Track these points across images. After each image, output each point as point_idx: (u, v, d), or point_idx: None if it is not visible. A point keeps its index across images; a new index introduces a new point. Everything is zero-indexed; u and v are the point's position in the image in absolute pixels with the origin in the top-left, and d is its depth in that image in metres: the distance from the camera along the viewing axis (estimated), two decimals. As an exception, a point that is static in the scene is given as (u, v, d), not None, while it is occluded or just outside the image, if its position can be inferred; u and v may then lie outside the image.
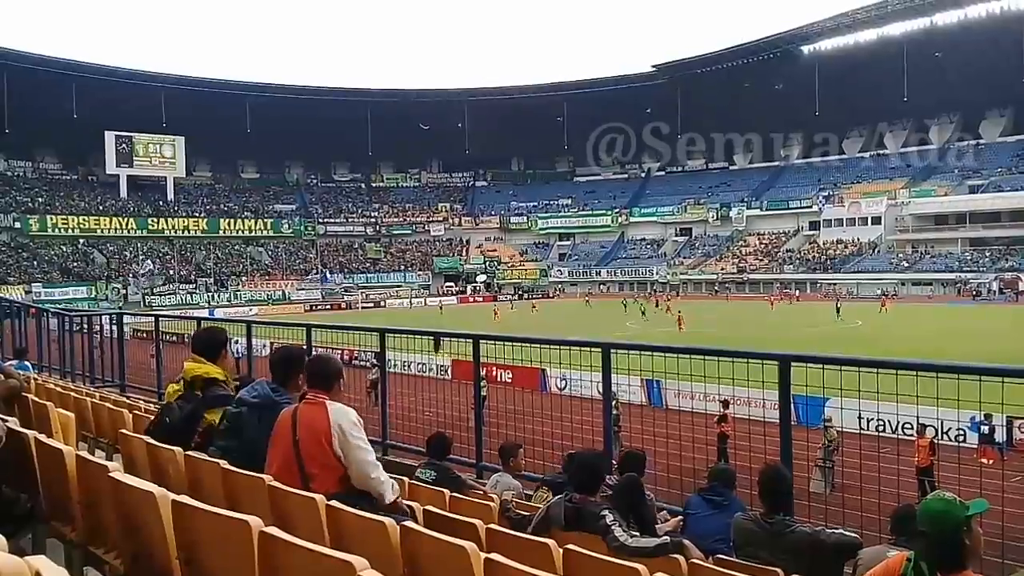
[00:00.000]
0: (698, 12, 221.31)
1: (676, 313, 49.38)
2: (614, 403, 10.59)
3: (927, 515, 2.84)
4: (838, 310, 53.79)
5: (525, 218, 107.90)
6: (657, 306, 62.31)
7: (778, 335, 39.28)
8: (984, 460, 14.41)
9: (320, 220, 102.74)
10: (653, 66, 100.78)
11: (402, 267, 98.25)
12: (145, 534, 3.33)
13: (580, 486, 4.56)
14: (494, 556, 3.02)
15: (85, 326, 15.32)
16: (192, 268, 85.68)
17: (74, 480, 3.88)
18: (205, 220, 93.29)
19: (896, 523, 4.58)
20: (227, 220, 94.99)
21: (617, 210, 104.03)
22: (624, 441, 12.30)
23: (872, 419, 12.18)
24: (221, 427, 4.73)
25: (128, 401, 9.58)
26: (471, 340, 8.69)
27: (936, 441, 13.92)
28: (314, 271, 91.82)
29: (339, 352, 14.37)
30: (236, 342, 14.81)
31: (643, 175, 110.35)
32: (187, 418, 5.01)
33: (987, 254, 74.00)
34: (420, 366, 18.90)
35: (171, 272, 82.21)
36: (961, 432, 16.15)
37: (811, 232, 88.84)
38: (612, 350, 7.31)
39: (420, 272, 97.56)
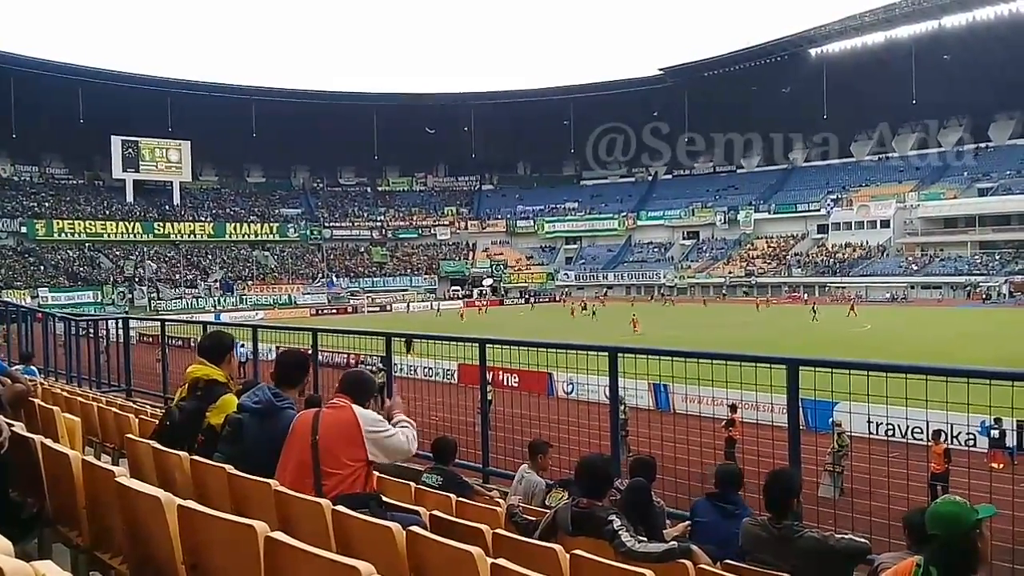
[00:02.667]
0: (705, 15, 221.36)
1: (631, 316, 50.37)
2: (622, 408, 10.55)
3: (940, 518, 2.81)
4: (814, 313, 54.34)
5: (531, 222, 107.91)
6: (585, 307, 66.01)
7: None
8: (994, 465, 14.35)
9: (326, 224, 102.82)
10: (660, 69, 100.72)
11: (408, 271, 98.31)
12: (151, 539, 3.32)
13: (587, 490, 4.53)
14: (501, 561, 3.00)
15: (91, 331, 15.34)
16: (198, 272, 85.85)
17: (80, 485, 3.87)
18: (211, 224, 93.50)
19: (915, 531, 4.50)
20: (233, 224, 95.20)
21: (624, 214, 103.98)
22: (632, 446, 12.25)
23: (881, 423, 12.11)
24: (224, 433, 4.74)
25: (134, 406, 9.60)
26: (477, 344, 8.66)
27: (948, 447, 13.84)
28: (320, 275, 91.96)
29: (344, 356, 14.39)
30: (242, 345, 14.80)
31: (650, 178, 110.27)
32: (189, 418, 5.05)
33: (997, 257, 73.76)
34: (426, 370, 18.92)
35: (177, 276, 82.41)
36: (971, 436, 16.08)
37: (819, 235, 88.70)
38: (619, 354, 7.30)
39: (426, 276, 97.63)
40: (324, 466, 4.20)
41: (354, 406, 4.42)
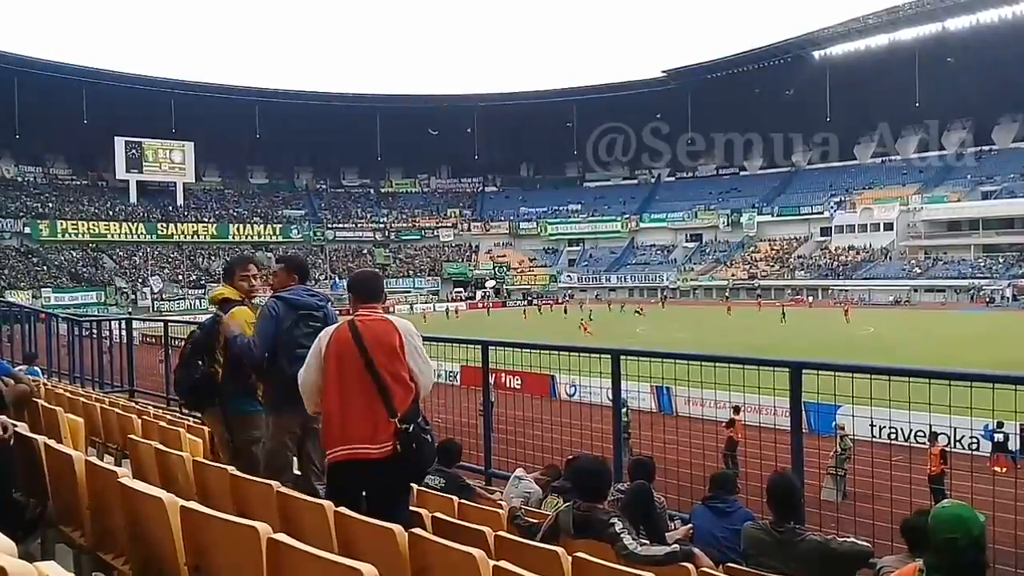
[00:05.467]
0: (709, 17, 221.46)
1: (581, 319, 52.01)
2: (625, 410, 10.54)
3: (947, 523, 2.77)
4: (783, 315, 54.59)
5: (534, 224, 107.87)
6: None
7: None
8: (997, 468, 14.33)
9: (329, 225, 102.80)
10: (663, 71, 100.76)
11: (411, 273, 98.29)
12: (154, 540, 3.33)
13: (585, 494, 4.51)
14: (503, 564, 3.00)
15: (94, 331, 15.35)
16: (201, 273, 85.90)
17: (83, 485, 3.88)
18: (214, 225, 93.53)
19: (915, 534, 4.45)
20: (236, 225, 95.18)
21: (627, 216, 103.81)
22: (634, 448, 12.25)
23: (884, 427, 12.11)
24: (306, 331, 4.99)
25: (137, 406, 9.60)
26: (480, 346, 8.67)
27: (948, 449, 13.83)
28: (323, 276, 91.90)
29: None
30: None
31: (653, 181, 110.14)
32: (206, 332, 5.51)
33: (1000, 260, 73.54)
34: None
35: (180, 278, 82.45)
36: (974, 440, 16.07)
37: (823, 238, 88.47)
38: (622, 356, 7.29)
39: (429, 278, 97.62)
40: (386, 383, 4.16)
41: (391, 316, 4.38)
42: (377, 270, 5.14)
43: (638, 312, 66.72)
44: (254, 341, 4.96)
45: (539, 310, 70.08)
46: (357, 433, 4.16)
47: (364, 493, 4.22)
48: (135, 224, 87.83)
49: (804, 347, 34.36)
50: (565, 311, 68.84)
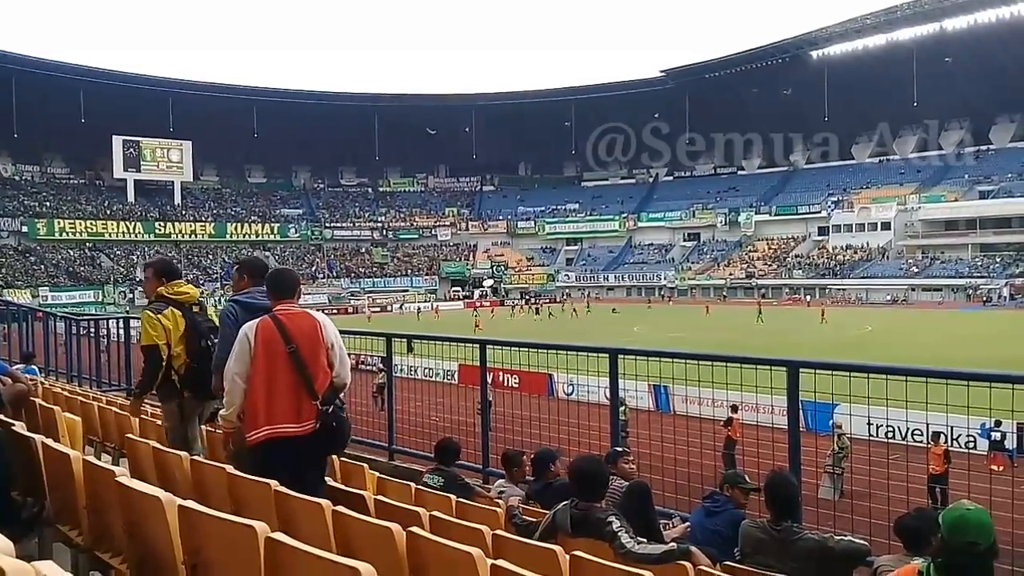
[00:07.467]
0: (707, 17, 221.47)
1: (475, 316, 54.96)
2: (622, 409, 10.54)
3: (980, 525, 2.72)
4: (759, 314, 54.74)
5: (532, 223, 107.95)
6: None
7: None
8: (994, 467, 14.33)
9: (327, 225, 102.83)
10: (662, 71, 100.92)
11: (409, 272, 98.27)
12: (151, 539, 3.33)
13: (583, 494, 4.50)
14: (501, 562, 3.00)
15: (92, 330, 15.32)
16: (199, 272, 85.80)
17: (81, 484, 3.87)
18: (212, 224, 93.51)
19: (914, 534, 4.38)
20: (234, 225, 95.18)
21: (625, 215, 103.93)
22: (632, 447, 12.24)
23: (881, 425, 12.11)
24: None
25: (135, 405, 9.56)
26: (478, 345, 8.67)
27: (948, 448, 13.84)
28: (321, 276, 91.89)
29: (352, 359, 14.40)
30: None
31: (651, 180, 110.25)
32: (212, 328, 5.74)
33: (997, 260, 73.68)
34: (427, 370, 18.92)
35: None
36: (971, 439, 16.07)
37: (820, 237, 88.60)
38: (620, 355, 7.29)
39: (427, 277, 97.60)
40: (312, 371, 4.53)
41: (312, 311, 4.75)
42: (290, 267, 5.44)
43: (614, 311, 67.33)
44: (215, 345, 5.36)
45: (511, 310, 70.31)
46: (280, 416, 4.50)
47: (283, 469, 4.36)
48: (132, 223, 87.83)
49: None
50: (562, 310, 68.89)
